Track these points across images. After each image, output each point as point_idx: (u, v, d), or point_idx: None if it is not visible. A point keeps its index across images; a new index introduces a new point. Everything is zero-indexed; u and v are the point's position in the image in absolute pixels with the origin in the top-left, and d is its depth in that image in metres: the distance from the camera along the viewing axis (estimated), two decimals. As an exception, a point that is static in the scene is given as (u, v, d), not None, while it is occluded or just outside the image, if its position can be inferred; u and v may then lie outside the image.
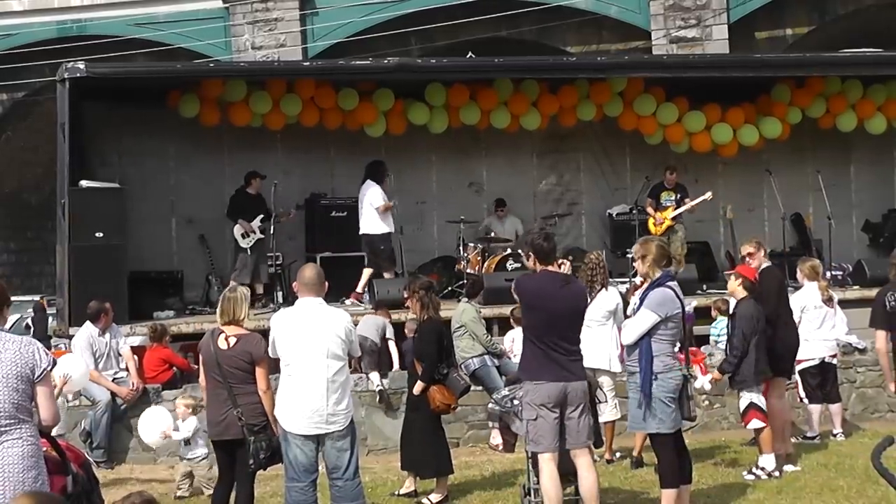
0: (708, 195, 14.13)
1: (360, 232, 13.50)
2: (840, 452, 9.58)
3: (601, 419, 8.46)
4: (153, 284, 13.51)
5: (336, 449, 6.82)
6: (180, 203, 14.57)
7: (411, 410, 8.68)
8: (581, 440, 6.99)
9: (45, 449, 5.02)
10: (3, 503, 4.67)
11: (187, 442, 9.16)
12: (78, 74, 11.94)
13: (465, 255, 14.01)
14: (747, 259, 9.35)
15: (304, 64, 18.83)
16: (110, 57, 20.89)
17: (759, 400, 8.77)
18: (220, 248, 14.31)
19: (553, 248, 7.17)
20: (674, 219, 14.12)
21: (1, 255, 28.31)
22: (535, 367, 6.94)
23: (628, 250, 10.44)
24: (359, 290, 13.29)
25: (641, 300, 7.18)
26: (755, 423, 8.76)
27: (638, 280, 7.85)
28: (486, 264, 13.96)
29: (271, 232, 13.30)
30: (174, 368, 11.43)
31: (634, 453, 9.14)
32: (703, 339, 12.18)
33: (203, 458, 9.09)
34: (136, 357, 11.08)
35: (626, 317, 7.67)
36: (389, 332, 11.69)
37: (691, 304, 11.22)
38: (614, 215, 15.60)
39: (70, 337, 11.40)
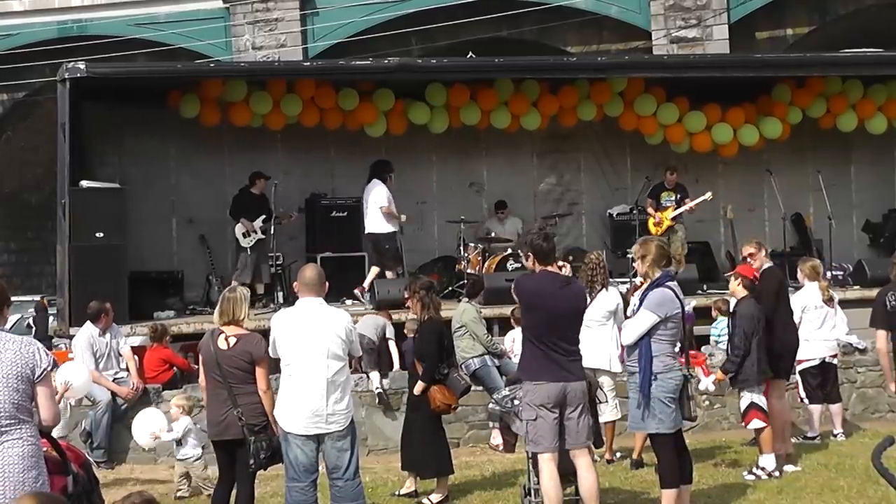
0: (708, 195, 14.14)
1: (366, 231, 13.52)
2: (840, 452, 9.58)
3: (601, 419, 8.47)
4: (153, 284, 13.52)
5: (336, 449, 6.82)
6: (181, 203, 14.57)
7: (412, 410, 8.69)
8: (581, 440, 6.99)
9: (45, 449, 5.01)
10: (4, 503, 4.67)
11: (179, 442, 9.15)
12: (78, 74, 11.94)
13: (466, 255, 14.01)
14: (748, 259, 9.35)
15: (305, 64, 18.81)
16: (111, 57, 20.88)
17: (760, 400, 8.76)
18: (221, 248, 14.32)
19: (552, 249, 7.16)
20: (674, 219, 14.12)
21: (1, 255, 28.29)
22: (534, 367, 6.94)
23: (628, 250, 10.42)
24: (365, 284, 13.29)
25: (641, 300, 7.18)
26: (756, 423, 8.76)
27: (638, 280, 7.84)
28: (486, 264, 13.96)
29: (272, 232, 13.31)
30: (174, 368, 11.46)
31: (634, 455, 9.12)
32: (704, 340, 12.19)
33: (196, 459, 9.07)
34: (136, 357, 11.09)
35: (627, 317, 7.67)
36: (390, 332, 11.71)
37: (691, 304, 11.22)
38: (614, 215, 15.59)
39: (70, 337, 11.40)
